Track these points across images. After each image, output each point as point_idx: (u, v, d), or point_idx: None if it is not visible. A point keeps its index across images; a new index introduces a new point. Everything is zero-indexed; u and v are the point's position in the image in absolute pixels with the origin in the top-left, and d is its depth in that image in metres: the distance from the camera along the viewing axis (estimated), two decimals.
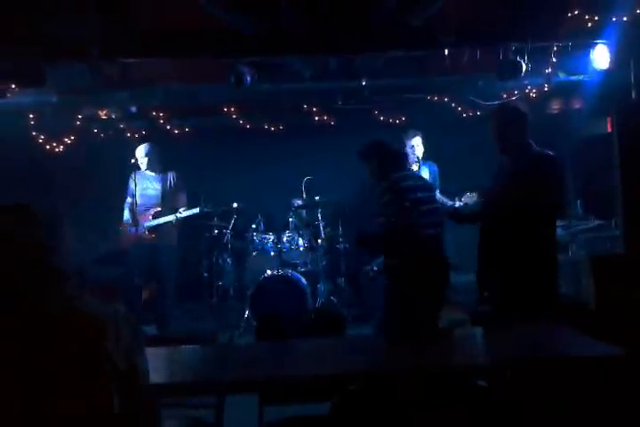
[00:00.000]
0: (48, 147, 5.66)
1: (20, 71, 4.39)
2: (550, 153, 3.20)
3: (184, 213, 5.31)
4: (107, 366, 1.37)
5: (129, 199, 5.34)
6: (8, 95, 4.64)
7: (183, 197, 5.43)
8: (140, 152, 5.28)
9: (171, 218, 5.27)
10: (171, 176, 5.39)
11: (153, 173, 5.30)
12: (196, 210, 5.39)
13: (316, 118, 6.17)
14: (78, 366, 1.36)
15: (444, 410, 1.56)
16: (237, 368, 2.27)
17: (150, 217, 5.23)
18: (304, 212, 6.24)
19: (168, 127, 6.10)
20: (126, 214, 5.33)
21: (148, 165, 5.26)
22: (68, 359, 1.35)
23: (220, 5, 4.11)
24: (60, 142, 5.71)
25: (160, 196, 5.29)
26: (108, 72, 4.68)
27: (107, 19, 4.29)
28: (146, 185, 5.25)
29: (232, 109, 5.96)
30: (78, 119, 5.69)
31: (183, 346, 2.60)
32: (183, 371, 2.39)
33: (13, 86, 4.60)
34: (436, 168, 5.45)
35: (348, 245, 6.26)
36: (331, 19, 4.17)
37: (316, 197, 6.02)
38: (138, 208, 5.27)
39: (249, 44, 4.31)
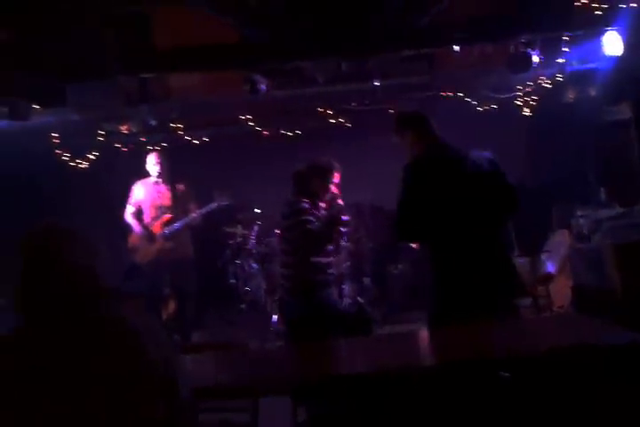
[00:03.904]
0: (73, 164, 5.81)
1: (41, 92, 4.54)
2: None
3: (202, 210, 5.27)
4: (150, 374, 1.44)
5: (131, 208, 5.24)
6: (31, 116, 4.77)
7: (193, 208, 5.35)
8: (151, 160, 5.22)
9: (189, 219, 5.21)
10: (180, 186, 5.34)
11: (162, 182, 5.19)
12: (214, 205, 5.35)
13: (332, 121, 6.24)
14: (123, 376, 1.43)
15: (470, 401, 1.59)
16: (269, 371, 2.33)
17: (162, 225, 5.15)
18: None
19: (187, 138, 6.23)
20: (134, 225, 5.22)
21: (158, 173, 5.17)
22: (113, 370, 1.42)
23: (231, 17, 4.21)
24: (84, 159, 5.86)
25: (170, 204, 5.21)
26: (127, 88, 4.79)
27: (123, 36, 4.41)
28: (156, 194, 5.12)
29: (248, 117, 6.05)
30: (100, 135, 5.84)
31: (215, 352, 2.66)
32: (216, 376, 2.45)
33: (36, 107, 4.75)
34: None
35: (372, 245, 6.30)
36: (338, 22, 4.23)
37: (340, 202, 6.06)
38: (146, 217, 5.20)
39: (260, 53, 4.39)
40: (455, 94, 5.82)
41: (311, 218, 3.55)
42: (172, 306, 5.45)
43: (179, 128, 6.00)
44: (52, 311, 1.45)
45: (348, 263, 6.12)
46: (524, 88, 5.76)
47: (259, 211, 6.30)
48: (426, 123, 3.16)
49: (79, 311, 1.46)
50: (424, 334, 2.98)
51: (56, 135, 5.62)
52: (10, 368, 1.39)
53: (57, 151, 5.70)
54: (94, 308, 1.47)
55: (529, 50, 4.29)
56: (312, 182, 3.69)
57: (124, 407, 1.41)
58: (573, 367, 1.82)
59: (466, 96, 5.87)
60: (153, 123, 5.65)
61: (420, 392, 1.98)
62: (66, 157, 5.77)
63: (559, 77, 5.35)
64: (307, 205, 3.58)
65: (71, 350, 1.41)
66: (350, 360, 2.37)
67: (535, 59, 4.31)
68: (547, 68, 4.99)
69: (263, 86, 4.40)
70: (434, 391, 1.78)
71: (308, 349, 2.64)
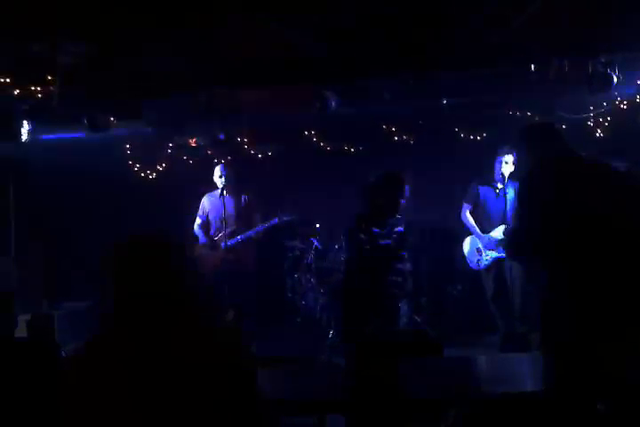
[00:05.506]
0: (142, 174, 6.01)
1: (119, 106, 4.73)
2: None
3: (265, 224, 5.39)
4: (232, 385, 1.44)
5: (199, 220, 5.46)
6: (109, 128, 4.98)
7: (257, 219, 5.47)
8: (217, 172, 5.35)
9: (251, 232, 5.33)
10: (245, 197, 5.47)
11: (228, 194, 5.29)
12: (275, 220, 5.45)
13: (396, 138, 6.20)
14: (207, 385, 1.42)
15: None
16: (336, 387, 2.29)
17: (226, 237, 5.25)
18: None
19: (252, 152, 6.33)
20: (200, 236, 5.42)
21: (223, 185, 5.26)
22: (198, 377, 1.43)
23: (302, 34, 4.26)
24: (153, 170, 6.05)
25: (234, 216, 5.34)
26: (199, 102, 4.93)
27: (195, 53, 4.54)
28: (221, 205, 5.22)
29: (313, 133, 6.10)
30: (169, 148, 6.02)
31: (281, 365, 2.65)
32: (282, 390, 2.43)
33: (113, 119, 4.94)
34: None
35: (430, 265, 6.20)
36: (412, 39, 4.21)
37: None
38: (212, 229, 5.39)
39: (328, 69, 4.41)
40: (525, 114, 5.68)
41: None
42: (230, 317, 5.48)
43: (245, 142, 6.11)
44: (142, 314, 1.47)
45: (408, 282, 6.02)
46: (598, 108, 5.58)
47: (318, 225, 6.30)
48: (556, 133, 2.90)
49: (168, 316, 1.48)
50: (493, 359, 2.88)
51: (129, 146, 5.84)
52: (100, 369, 1.42)
53: (129, 162, 5.91)
54: (184, 313, 1.49)
55: (608, 69, 4.16)
56: (384, 195, 3.57)
57: (211, 411, 1.41)
58: None
59: (536, 116, 5.72)
60: (222, 136, 5.78)
61: (492, 419, 1.90)
62: (136, 167, 5.97)
63: (637, 98, 5.16)
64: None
65: (158, 354, 1.43)
66: (421, 381, 2.31)
67: (614, 79, 4.18)
68: (624, 88, 4.82)
69: (333, 103, 4.42)
70: (514, 418, 1.70)
71: (375, 366, 2.59)
